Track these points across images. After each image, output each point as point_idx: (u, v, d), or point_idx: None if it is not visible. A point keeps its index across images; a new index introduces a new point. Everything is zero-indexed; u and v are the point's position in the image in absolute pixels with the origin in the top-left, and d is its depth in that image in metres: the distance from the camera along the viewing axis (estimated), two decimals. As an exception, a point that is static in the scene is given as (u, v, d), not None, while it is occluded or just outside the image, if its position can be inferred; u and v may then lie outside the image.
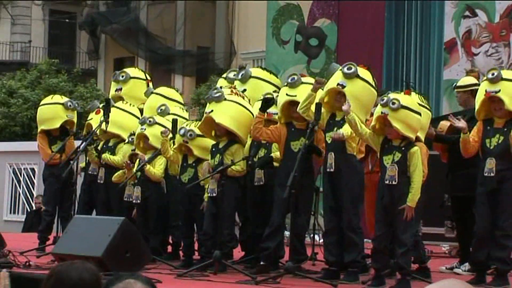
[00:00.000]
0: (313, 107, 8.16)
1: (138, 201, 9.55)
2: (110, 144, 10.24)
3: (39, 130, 10.96)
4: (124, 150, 10.00)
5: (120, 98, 10.55)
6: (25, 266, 8.42)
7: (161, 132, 9.22)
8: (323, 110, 8.10)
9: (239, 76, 9.46)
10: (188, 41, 31.10)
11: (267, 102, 8.53)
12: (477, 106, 8.04)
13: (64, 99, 10.90)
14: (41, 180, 11.43)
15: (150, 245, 9.06)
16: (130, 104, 10.36)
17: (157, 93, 10.41)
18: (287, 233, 9.53)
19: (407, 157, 7.53)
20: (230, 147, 8.82)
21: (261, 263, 8.55)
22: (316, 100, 8.17)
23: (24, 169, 20.57)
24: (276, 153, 8.86)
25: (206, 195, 8.92)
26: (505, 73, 8.02)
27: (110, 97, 10.64)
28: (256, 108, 8.94)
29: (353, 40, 14.28)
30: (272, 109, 8.73)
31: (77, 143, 10.75)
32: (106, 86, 30.14)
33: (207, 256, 8.64)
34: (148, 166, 9.47)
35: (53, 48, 34.87)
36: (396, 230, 7.57)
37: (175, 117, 9.62)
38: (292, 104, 8.47)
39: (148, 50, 31.26)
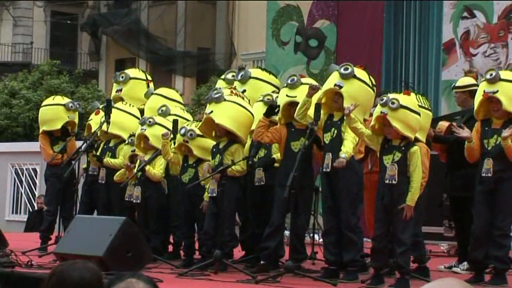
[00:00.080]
0: (310, 112, 8.19)
1: (138, 201, 9.59)
2: (111, 144, 10.27)
3: (40, 130, 10.98)
4: (124, 152, 10.04)
5: (121, 99, 10.58)
6: (27, 266, 8.43)
7: (162, 135, 9.27)
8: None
9: (239, 77, 9.47)
10: (189, 42, 31.13)
11: (272, 108, 8.58)
12: (475, 107, 8.07)
13: (66, 100, 10.93)
14: (43, 180, 11.44)
15: (151, 244, 9.08)
16: (130, 105, 10.39)
17: (157, 94, 10.46)
18: (287, 233, 9.58)
19: (407, 157, 7.57)
20: (229, 147, 8.86)
21: (261, 262, 8.58)
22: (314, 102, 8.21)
23: (26, 169, 20.62)
24: (277, 155, 8.91)
25: (206, 194, 8.97)
26: (503, 74, 8.06)
27: (111, 98, 10.69)
28: (255, 108, 9.00)
29: (352, 41, 14.30)
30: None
31: (78, 143, 10.81)
32: (108, 87, 30.20)
33: (208, 255, 8.68)
34: (148, 167, 9.53)
35: (54, 49, 34.91)
36: (395, 230, 7.61)
37: (176, 117, 9.68)
38: (292, 105, 8.49)
39: (149, 51, 31.29)
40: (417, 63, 13.61)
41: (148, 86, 10.77)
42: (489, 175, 7.88)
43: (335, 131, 8.10)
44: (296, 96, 8.51)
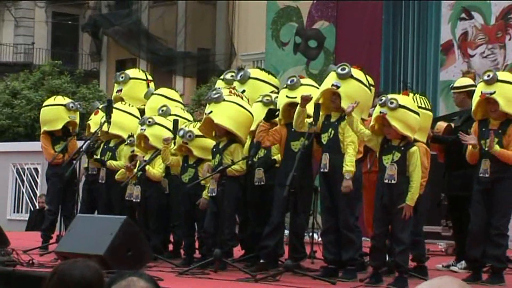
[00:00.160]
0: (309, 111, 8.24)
1: (138, 200, 9.63)
2: (111, 144, 10.30)
3: (42, 130, 11.02)
4: (125, 153, 10.09)
5: (121, 99, 10.59)
6: (28, 265, 8.46)
7: (164, 140, 9.30)
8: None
9: (238, 77, 9.49)
10: (189, 42, 31.15)
11: (272, 112, 8.62)
12: (473, 107, 8.11)
13: (66, 101, 10.97)
14: (44, 180, 11.48)
15: (151, 243, 9.12)
16: (129, 105, 10.43)
17: (158, 94, 10.51)
18: (286, 232, 9.62)
19: (406, 157, 7.61)
20: (228, 146, 8.90)
21: (261, 261, 8.60)
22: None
23: (27, 169, 20.64)
24: (278, 156, 8.92)
25: (205, 192, 9.01)
26: (501, 75, 8.10)
27: (112, 98, 10.74)
28: (254, 108, 9.04)
29: (351, 42, 14.30)
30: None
31: (79, 143, 10.85)
32: (108, 87, 30.24)
33: (208, 254, 8.71)
34: (148, 167, 9.57)
35: (56, 50, 34.93)
36: (394, 229, 7.65)
37: (176, 117, 9.72)
38: (292, 106, 8.51)
39: (150, 51, 31.32)
40: (415, 64, 13.62)
41: (148, 86, 10.81)
42: (486, 175, 7.92)
43: (332, 132, 8.12)
44: (296, 97, 8.52)
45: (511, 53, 12.69)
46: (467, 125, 8.52)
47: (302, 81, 8.82)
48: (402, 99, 7.77)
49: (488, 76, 7.97)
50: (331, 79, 8.15)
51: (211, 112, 8.88)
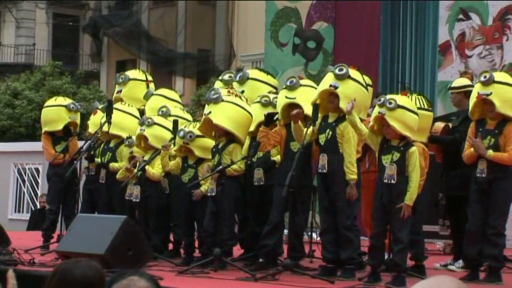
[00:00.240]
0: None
1: (138, 200, 9.68)
2: (111, 145, 10.35)
3: (43, 131, 11.06)
4: (125, 154, 10.16)
5: (121, 100, 10.64)
6: (29, 264, 8.49)
7: (163, 146, 9.34)
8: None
9: (237, 78, 9.52)
10: (189, 43, 31.17)
11: (271, 117, 8.66)
12: (470, 107, 8.16)
13: (67, 101, 11.01)
14: (45, 180, 11.52)
15: (151, 243, 9.15)
16: (129, 105, 10.46)
17: (158, 94, 10.56)
18: (285, 231, 9.66)
19: (405, 157, 7.64)
20: (227, 147, 8.94)
21: (260, 260, 8.64)
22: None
23: (28, 169, 20.70)
24: (277, 157, 8.95)
25: (204, 186, 9.04)
26: (497, 76, 8.14)
27: (113, 99, 10.79)
28: (253, 109, 9.07)
29: (349, 43, 14.31)
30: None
31: (80, 143, 10.91)
32: (109, 87, 30.28)
33: (208, 253, 8.75)
34: (147, 167, 9.62)
35: (56, 51, 34.95)
36: (393, 228, 7.68)
37: (176, 118, 9.77)
38: (291, 106, 8.53)
39: (150, 52, 31.34)
40: (413, 64, 13.62)
41: (147, 86, 10.86)
42: (483, 175, 7.97)
43: (330, 133, 8.13)
44: (295, 98, 8.56)
45: (508, 54, 12.72)
46: (465, 125, 8.57)
47: (302, 81, 8.84)
48: (400, 99, 7.81)
49: (485, 77, 8.02)
50: (328, 80, 8.17)
51: (210, 112, 8.91)
